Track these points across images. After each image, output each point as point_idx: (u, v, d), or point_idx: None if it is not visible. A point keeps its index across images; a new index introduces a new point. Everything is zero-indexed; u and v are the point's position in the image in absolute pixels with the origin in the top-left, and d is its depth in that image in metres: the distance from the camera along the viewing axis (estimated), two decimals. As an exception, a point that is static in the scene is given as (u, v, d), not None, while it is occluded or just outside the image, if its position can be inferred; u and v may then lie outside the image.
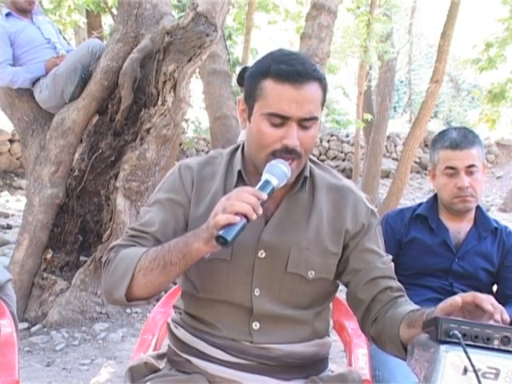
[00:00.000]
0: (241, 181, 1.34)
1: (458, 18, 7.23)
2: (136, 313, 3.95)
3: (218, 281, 1.32)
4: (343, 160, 13.68)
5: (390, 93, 11.23)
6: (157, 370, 1.39)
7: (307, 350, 1.35)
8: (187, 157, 11.43)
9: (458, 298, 1.03)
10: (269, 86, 1.23)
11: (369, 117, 10.37)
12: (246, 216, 1.10)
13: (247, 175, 1.34)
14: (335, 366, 1.64)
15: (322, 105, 1.27)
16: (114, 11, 7.33)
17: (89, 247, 3.96)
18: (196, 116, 11.17)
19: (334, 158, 13.78)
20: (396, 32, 15.86)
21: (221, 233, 1.09)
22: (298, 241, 1.31)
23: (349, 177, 11.83)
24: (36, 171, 3.88)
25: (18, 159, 9.29)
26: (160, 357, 1.46)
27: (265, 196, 1.15)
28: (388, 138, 13.06)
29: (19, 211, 6.94)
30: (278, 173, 1.21)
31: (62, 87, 3.79)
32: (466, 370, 0.94)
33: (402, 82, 20.76)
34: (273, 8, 9.58)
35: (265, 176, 1.20)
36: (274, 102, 1.22)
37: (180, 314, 1.41)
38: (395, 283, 1.34)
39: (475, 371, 0.93)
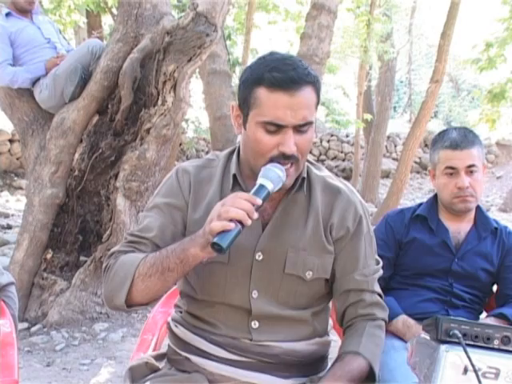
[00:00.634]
0: (237, 185, 1.34)
1: (457, 18, 7.25)
2: (136, 313, 3.94)
3: (216, 283, 1.32)
4: (343, 160, 13.68)
5: (390, 93, 11.25)
6: (157, 370, 1.39)
7: (307, 348, 1.36)
8: (187, 157, 11.44)
9: None
10: (263, 94, 1.22)
11: (369, 117, 10.39)
12: (240, 222, 1.11)
13: (243, 179, 1.34)
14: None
15: (317, 105, 1.27)
16: (114, 11, 7.34)
17: (89, 247, 3.95)
18: (196, 116, 11.18)
19: (334, 158, 13.78)
20: (396, 32, 15.87)
21: (215, 240, 1.10)
22: (296, 242, 1.32)
23: (349, 177, 11.84)
24: (36, 171, 3.87)
25: (18, 159, 9.29)
26: (160, 357, 1.46)
27: (259, 201, 1.15)
28: (388, 138, 13.07)
29: (19, 211, 6.94)
30: (272, 177, 1.21)
31: (62, 87, 3.79)
32: (466, 370, 0.94)
33: (402, 81, 20.78)
34: (273, 8, 9.58)
35: (260, 180, 1.20)
36: (269, 111, 1.21)
37: (181, 312, 1.42)
38: (369, 297, 1.36)
39: (475, 371, 0.93)
